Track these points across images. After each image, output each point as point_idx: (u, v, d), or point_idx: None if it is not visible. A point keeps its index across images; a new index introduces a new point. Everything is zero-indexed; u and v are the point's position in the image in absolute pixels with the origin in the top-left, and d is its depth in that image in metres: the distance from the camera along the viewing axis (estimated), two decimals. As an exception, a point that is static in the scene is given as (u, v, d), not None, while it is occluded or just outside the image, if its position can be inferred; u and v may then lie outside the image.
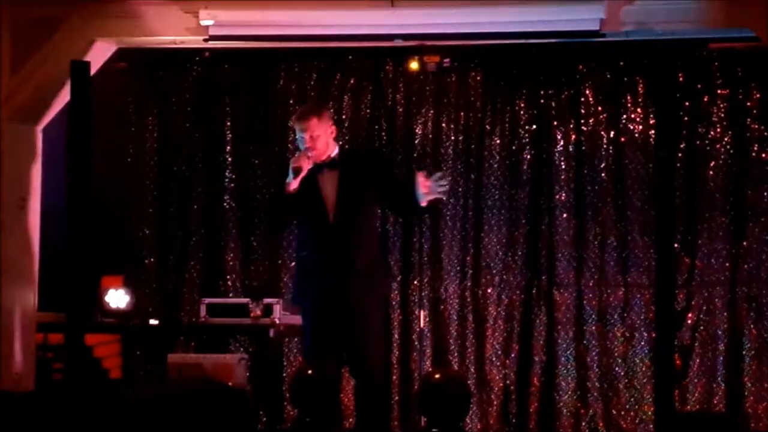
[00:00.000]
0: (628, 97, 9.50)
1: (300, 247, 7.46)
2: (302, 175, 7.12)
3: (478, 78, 9.68)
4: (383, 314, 7.60)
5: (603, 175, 9.52)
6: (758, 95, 9.32)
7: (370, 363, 7.30)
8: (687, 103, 9.43)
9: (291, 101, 9.73)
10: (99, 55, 8.87)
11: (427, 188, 7.03)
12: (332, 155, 7.28)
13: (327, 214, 7.20)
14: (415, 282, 9.66)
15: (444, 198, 7.18)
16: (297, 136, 7.33)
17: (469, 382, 9.36)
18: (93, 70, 8.54)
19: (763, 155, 9.33)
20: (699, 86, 9.40)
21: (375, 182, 7.26)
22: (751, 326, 9.28)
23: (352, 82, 9.75)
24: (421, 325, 9.34)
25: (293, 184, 7.12)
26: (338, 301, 7.20)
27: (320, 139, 7.20)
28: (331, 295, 7.20)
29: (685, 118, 9.43)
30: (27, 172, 8.84)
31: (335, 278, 7.19)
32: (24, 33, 8.72)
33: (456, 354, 9.59)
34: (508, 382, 9.53)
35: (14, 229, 8.70)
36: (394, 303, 9.62)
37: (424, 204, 7.10)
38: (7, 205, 8.67)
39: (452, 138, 9.71)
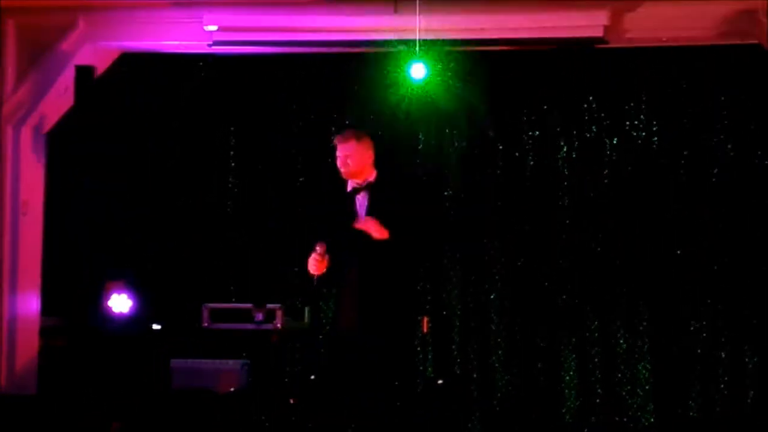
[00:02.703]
0: (631, 104, 9.50)
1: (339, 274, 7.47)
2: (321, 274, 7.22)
3: (482, 84, 9.68)
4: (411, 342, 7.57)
5: (606, 181, 9.52)
6: (761, 101, 9.31)
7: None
8: (690, 110, 9.43)
9: (294, 106, 9.76)
10: (103, 60, 8.90)
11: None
12: (369, 180, 7.36)
13: (357, 236, 7.25)
14: (418, 288, 9.66)
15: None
16: (336, 154, 7.41)
17: (471, 388, 9.39)
18: (97, 75, 8.57)
19: (766, 161, 9.32)
20: (702, 92, 9.40)
21: (403, 204, 7.32)
22: (754, 331, 9.26)
23: (355, 87, 9.77)
24: (424, 330, 9.33)
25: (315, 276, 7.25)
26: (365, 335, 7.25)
27: (353, 161, 7.30)
28: (362, 329, 7.24)
29: (688, 125, 9.43)
30: (31, 176, 8.86)
31: (367, 311, 7.22)
32: (29, 39, 8.75)
33: (459, 360, 9.59)
34: (510, 388, 9.52)
35: (17, 233, 8.72)
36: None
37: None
38: (11, 209, 8.69)
39: (455, 144, 9.72)
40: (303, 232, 7.53)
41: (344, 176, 7.36)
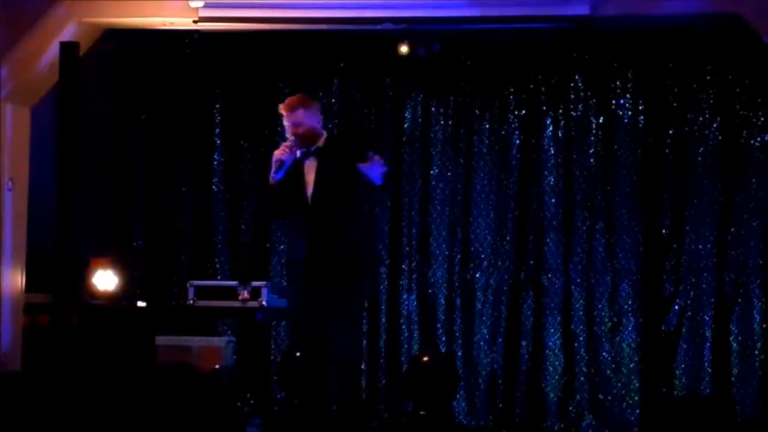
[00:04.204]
0: (618, 83, 9.50)
1: (291, 236, 7.56)
2: (285, 166, 7.23)
3: (468, 63, 9.68)
4: (361, 301, 7.60)
5: (591, 160, 9.54)
6: (747, 81, 9.33)
7: (340, 350, 7.31)
8: (676, 89, 9.44)
9: (280, 84, 9.75)
10: (88, 36, 8.86)
11: (371, 170, 7.16)
12: (319, 145, 7.34)
13: (306, 200, 7.27)
14: (403, 266, 9.67)
15: (386, 168, 7.29)
16: (284, 123, 7.40)
17: (456, 365, 9.39)
18: (82, 52, 8.52)
19: (752, 141, 9.34)
20: (688, 72, 9.41)
21: (352, 171, 7.30)
22: (738, 312, 9.29)
23: (341, 65, 9.76)
24: (409, 309, 9.34)
25: (276, 176, 7.23)
26: (318, 286, 7.25)
27: (303, 128, 7.29)
28: (312, 279, 7.25)
29: (674, 104, 9.45)
30: (16, 152, 8.82)
31: (315, 264, 7.23)
32: (14, 14, 8.69)
33: (444, 338, 9.60)
34: (495, 366, 9.54)
35: (2, 209, 8.68)
36: (381, 287, 9.64)
37: (379, 182, 7.18)
38: (-5, 185, 8.68)
39: (441, 122, 9.72)
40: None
41: (296, 147, 7.32)
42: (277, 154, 7.27)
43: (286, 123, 7.36)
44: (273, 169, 7.27)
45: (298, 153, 7.32)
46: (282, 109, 7.40)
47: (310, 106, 7.41)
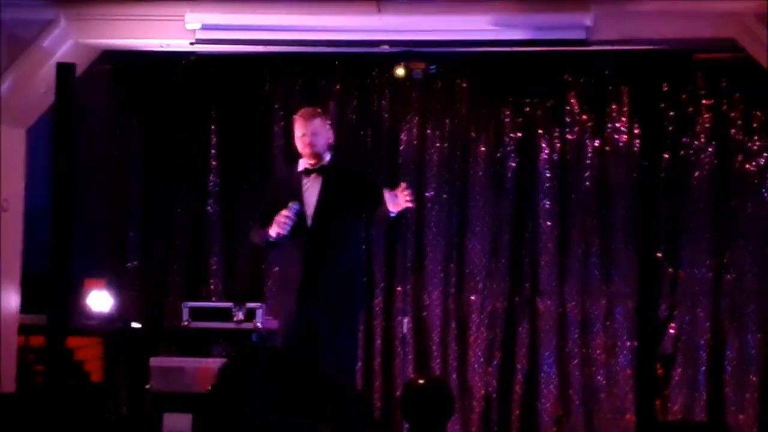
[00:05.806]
0: (613, 106, 9.52)
1: (282, 254, 7.50)
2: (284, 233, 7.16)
3: (464, 85, 9.69)
4: (356, 326, 7.57)
5: (587, 183, 9.54)
6: (742, 106, 9.35)
7: (335, 373, 7.29)
8: (671, 113, 9.46)
9: (276, 106, 9.75)
10: (84, 57, 8.87)
11: (394, 201, 7.03)
12: (324, 163, 7.29)
13: (305, 219, 7.21)
14: (398, 288, 9.66)
15: (412, 206, 7.20)
16: (297, 134, 7.30)
17: (450, 388, 9.37)
18: (78, 73, 8.52)
19: (747, 166, 9.35)
20: (684, 96, 9.43)
21: (357, 193, 7.26)
22: (733, 337, 9.28)
23: (338, 87, 9.77)
24: (404, 331, 9.34)
25: (274, 239, 7.18)
26: (313, 308, 7.21)
27: (319, 139, 7.22)
28: (307, 301, 7.21)
29: (670, 128, 9.46)
30: (10, 173, 8.81)
31: (311, 284, 7.19)
32: (10, 35, 8.71)
33: (438, 361, 9.59)
34: (490, 389, 9.52)
35: (-2, 230, 8.69)
36: (377, 309, 9.63)
37: (393, 214, 7.07)
38: (-10, 206, 8.66)
39: (437, 145, 9.71)
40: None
41: (306, 156, 7.25)
42: (281, 229, 7.12)
43: (299, 132, 7.23)
44: (272, 235, 7.16)
45: (301, 166, 7.27)
46: (298, 117, 7.29)
47: (326, 119, 7.41)
